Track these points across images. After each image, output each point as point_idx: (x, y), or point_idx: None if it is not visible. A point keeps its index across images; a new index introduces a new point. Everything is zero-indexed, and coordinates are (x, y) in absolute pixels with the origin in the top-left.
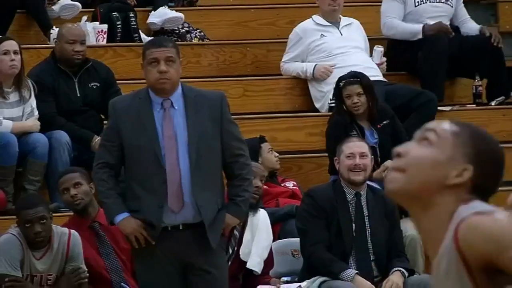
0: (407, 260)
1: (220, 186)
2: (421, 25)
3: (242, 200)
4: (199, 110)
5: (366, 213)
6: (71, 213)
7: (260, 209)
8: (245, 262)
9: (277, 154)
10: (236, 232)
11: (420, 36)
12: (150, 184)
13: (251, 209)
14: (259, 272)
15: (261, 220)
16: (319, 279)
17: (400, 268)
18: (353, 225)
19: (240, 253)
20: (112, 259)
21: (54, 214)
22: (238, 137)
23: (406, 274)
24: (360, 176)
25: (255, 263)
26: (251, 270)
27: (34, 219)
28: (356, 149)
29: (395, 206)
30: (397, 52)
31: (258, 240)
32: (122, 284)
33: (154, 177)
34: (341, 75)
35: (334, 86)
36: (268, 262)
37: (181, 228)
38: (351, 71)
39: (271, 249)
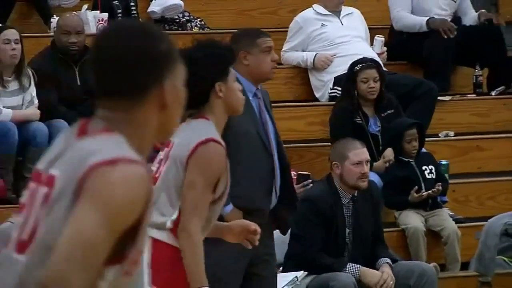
0: (387, 247)
1: None
2: (426, 18)
3: None
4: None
5: (358, 213)
6: None
7: None
8: None
9: None
10: None
11: (425, 29)
12: (257, 171)
13: None
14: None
15: None
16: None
17: (387, 260)
18: (347, 227)
19: None
20: None
21: None
22: None
23: (392, 265)
24: (366, 183)
25: None
26: None
27: None
28: (364, 156)
29: (380, 196)
30: (400, 41)
31: None
32: None
33: (262, 164)
34: (341, 64)
35: (334, 75)
36: None
37: None
38: (364, 57)
39: None
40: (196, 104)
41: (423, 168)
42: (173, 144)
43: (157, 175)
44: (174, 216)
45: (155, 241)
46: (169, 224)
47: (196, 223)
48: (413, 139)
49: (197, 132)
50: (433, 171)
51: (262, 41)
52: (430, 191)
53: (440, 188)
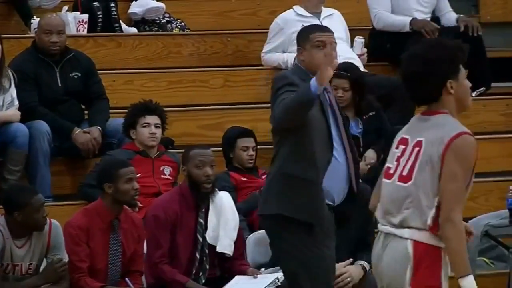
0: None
1: None
2: (409, 18)
3: None
4: None
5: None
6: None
7: (219, 191)
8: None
9: (251, 153)
10: (200, 220)
11: (408, 29)
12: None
13: (210, 194)
14: (231, 254)
15: (224, 201)
16: None
17: (363, 262)
18: None
19: (207, 238)
20: (116, 259)
21: None
22: None
23: (368, 268)
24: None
25: (225, 246)
26: (223, 254)
27: (43, 203)
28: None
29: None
30: (381, 43)
31: (225, 222)
32: (126, 279)
33: (322, 156)
34: None
35: None
36: (237, 242)
37: None
38: (343, 62)
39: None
40: (429, 101)
41: None
42: (420, 143)
43: (394, 172)
44: (433, 213)
45: (416, 243)
46: (429, 222)
47: (459, 212)
48: None
49: (446, 127)
50: None
51: (314, 36)
52: None
53: None
